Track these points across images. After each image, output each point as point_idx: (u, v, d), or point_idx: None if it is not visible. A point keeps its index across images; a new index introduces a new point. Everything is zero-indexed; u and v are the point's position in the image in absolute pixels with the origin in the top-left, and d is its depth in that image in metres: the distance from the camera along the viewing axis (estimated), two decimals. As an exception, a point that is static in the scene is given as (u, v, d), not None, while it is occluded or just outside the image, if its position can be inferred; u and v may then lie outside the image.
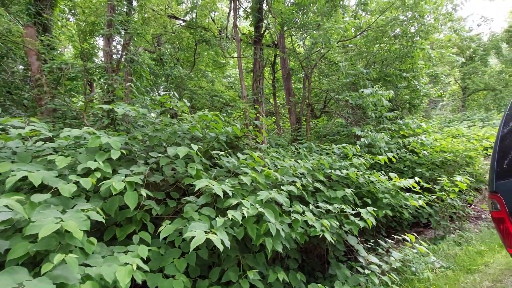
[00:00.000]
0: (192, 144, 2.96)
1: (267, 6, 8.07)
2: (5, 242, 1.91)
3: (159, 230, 2.52)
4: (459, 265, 4.06)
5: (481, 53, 20.24)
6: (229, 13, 9.16)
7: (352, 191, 3.97)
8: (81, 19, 9.04)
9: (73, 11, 9.90)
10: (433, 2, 8.21)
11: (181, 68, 8.99)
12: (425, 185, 5.23)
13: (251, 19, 8.88)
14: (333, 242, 3.29)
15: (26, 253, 1.87)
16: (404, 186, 4.48)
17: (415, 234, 4.04)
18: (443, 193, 5.25)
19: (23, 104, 7.23)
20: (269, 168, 3.53)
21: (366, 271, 3.33)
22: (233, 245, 2.78)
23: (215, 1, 9.15)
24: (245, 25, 13.07)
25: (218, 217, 2.49)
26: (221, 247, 2.16)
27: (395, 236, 4.13)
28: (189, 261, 2.52)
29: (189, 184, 3.03)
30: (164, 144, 3.53)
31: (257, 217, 2.82)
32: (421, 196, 4.90)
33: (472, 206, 6.57)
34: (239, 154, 3.57)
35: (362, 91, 6.42)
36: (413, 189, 4.96)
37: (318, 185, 3.88)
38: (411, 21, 7.95)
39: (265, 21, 8.48)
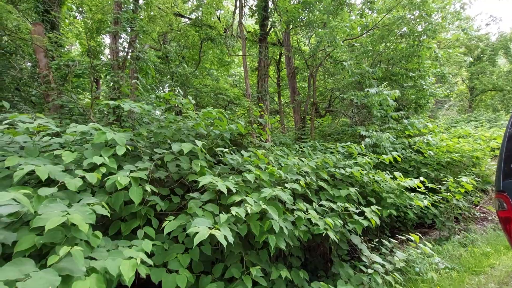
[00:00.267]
0: (196, 141, 2.97)
1: (272, 4, 8.05)
2: (12, 234, 1.94)
3: (163, 225, 2.54)
4: (464, 266, 4.02)
5: (490, 53, 19.93)
6: (234, 11, 9.16)
7: (356, 190, 3.95)
8: (88, 17, 9.12)
9: (80, 9, 10.00)
10: (440, 1, 8.10)
11: (186, 66, 9.02)
12: (430, 185, 5.17)
13: (256, 17, 8.87)
14: (337, 241, 3.28)
15: (32, 246, 1.90)
16: (409, 186, 4.45)
17: (419, 235, 4.00)
18: (449, 193, 5.20)
19: (31, 101, 7.34)
20: (273, 166, 3.52)
21: (369, 271, 3.31)
22: (236, 242, 2.79)
23: (220, -1, 9.18)
24: (251, 23, 13.07)
25: (222, 213, 2.49)
26: (224, 243, 2.17)
27: (399, 236, 4.10)
28: (193, 257, 2.54)
29: (193, 180, 3.05)
30: (169, 141, 3.55)
31: (260, 214, 2.82)
32: (426, 196, 4.86)
33: (478, 207, 6.48)
34: (243, 152, 3.58)
35: (368, 91, 6.38)
36: (418, 189, 4.92)
37: (322, 183, 3.87)
38: (418, 20, 7.86)
39: (270, 19, 8.46)
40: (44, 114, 4.47)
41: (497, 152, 6.43)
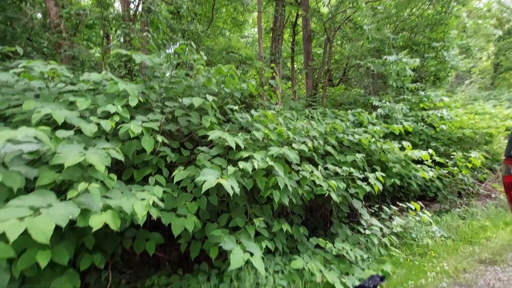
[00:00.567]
0: (207, 95, 2.98)
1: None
2: (34, 170, 2.07)
3: (173, 175, 2.66)
4: (460, 236, 4.14)
5: (522, 28, 18.39)
6: (251, -35, 8.53)
7: (363, 157, 3.98)
8: (97, -35, 8.66)
9: (89, -45, 9.47)
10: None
11: (198, 24, 8.69)
12: (437, 159, 5.16)
13: (274, -28, 8.27)
14: (338, 202, 3.38)
15: (52, 181, 2.03)
16: (416, 157, 4.45)
17: (420, 203, 4.09)
18: (455, 168, 5.19)
19: (42, 52, 7.31)
20: (281, 127, 3.54)
21: (367, 232, 3.46)
22: (241, 195, 2.92)
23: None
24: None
25: (230, 166, 2.58)
26: (231, 192, 2.27)
27: (400, 204, 4.20)
28: (200, 205, 2.69)
29: (202, 136, 3.12)
30: (179, 98, 3.57)
31: (266, 171, 2.91)
32: (433, 169, 4.87)
33: (483, 185, 6.49)
34: (252, 111, 3.59)
35: (386, 58, 6.10)
36: (424, 162, 4.93)
37: (329, 148, 3.90)
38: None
39: (289, -25, 7.88)
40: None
41: (513, 131, 6.28)
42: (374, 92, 7.74)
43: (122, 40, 5.48)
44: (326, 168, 3.68)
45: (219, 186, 2.83)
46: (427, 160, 4.86)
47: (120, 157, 2.29)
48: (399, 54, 6.30)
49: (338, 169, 3.59)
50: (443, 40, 7.85)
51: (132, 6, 5.82)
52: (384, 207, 4.25)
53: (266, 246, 2.74)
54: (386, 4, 8.46)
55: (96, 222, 1.90)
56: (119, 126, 2.59)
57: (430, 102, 6.80)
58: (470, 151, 5.76)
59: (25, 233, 1.84)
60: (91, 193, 1.98)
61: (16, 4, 6.96)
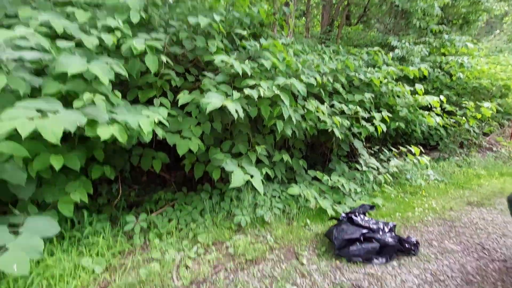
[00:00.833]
0: (215, 15, 2.77)
1: None
2: (38, 78, 2.05)
3: (177, 98, 2.64)
4: (453, 181, 4.29)
5: None
6: None
7: (372, 97, 3.88)
8: None
9: None
10: None
11: None
12: (448, 107, 5.04)
13: None
14: (341, 139, 3.42)
15: (58, 91, 2.03)
16: (426, 102, 4.33)
17: (421, 148, 4.14)
18: (463, 118, 5.11)
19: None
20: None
21: (364, 168, 3.58)
22: (245, 123, 2.95)
23: None
24: None
25: (235, 91, 2.54)
26: (235, 115, 2.28)
27: (400, 147, 4.26)
28: (204, 129, 2.74)
29: (207, 62, 3.00)
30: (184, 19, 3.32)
31: (271, 101, 2.87)
32: (441, 117, 4.79)
33: (488, 138, 6.47)
34: (262, 40, 3.38)
35: (414, -8, 5.47)
36: (433, 108, 4.82)
37: (337, 86, 3.78)
38: None
39: None
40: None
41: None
42: (394, 34, 7.17)
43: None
44: (332, 106, 3.63)
45: (223, 113, 2.84)
46: (436, 108, 4.75)
47: (124, 73, 2.25)
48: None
49: (344, 107, 3.54)
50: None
51: None
52: (384, 150, 4.32)
53: (266, 172, 2.87)
54: None
55: (104, 132, 1.95)
56: (121, 43, 2.48)
57: (452, 47, 6.33)
58: (482, 101, 5.59)
59: (35, 138, 1.92)
60: (97, 105, 2.00)
61: None
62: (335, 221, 2.60)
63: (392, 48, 5.85)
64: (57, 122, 1.65)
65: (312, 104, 3.19)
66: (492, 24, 15.63)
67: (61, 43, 2.16)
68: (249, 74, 2.71)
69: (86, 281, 1.84)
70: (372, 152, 4.34)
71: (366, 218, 2.40)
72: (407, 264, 2.12)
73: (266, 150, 2.99)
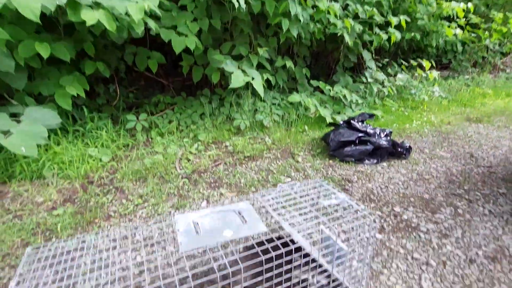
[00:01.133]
0: None
1: None
2: None
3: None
4: (457, 98, 4.21)
5: None
6: None
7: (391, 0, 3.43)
8: None
9: None
10: None
11: None
12: (473, 17, 4.53)
13: None
14: (350, 44, 3.17)
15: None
16: (451, 11, 3.86)
17: (432, 62, 3.91)
18: (486, 32, 4.66)
19: None
20: None
21: (369, 80, 3.45)
22: (247, 20, 2.68)
23: None
24: None
25: (235, -23, 2.20)
26: (236, 3, 2.03)
27: (411, 61, 4.02)
28: (202, 26, 2.50)
29: None
30: None
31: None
32: (462, 29, 4.36)
33: (506, 58, 6.08)
34: None
35: None
36: (456, 19, 4.35)
37: (354, -18, 3.29)
38: None
39: None
40: None
41: None
42: None
43: None
44: (346, 7, 3.24)
45: (222, 9, 2.54)
46: (459, 18, 4.27)
47: None
48: None
49: (359, 8, 3.16)
50: None
51: None
52: (393, 63, 4.09)
53: (268, 79, 2.77)
54: None
55: (88, 17, 1.77)
56: None
57: None
58: (513, 13, 5.00)
59: (15, 23, 1.75)
60: (78, -17, 1.74)
61: None
62: (333, 128, 2.64)
63: None
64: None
65: (324, 3, 2.83)
66: None
67: None
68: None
69: (95, 167, 1.97)
70: (380, 65, 4.12)
71: (364, 125, 2.43)
72: (396, 166, 2.25)
73: (268, 54, 2.81)
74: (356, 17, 3.30)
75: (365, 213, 0.98)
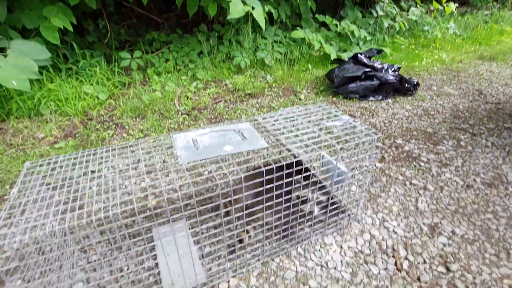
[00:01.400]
0: None
1: None
2: None
3: None
4: (472, 36, 3.94)
5: None
6: None
7: None
8: None
9: None
10: None
11: None
12: None
13: None
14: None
15: None
16: None
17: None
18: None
19: None
20: None
21: (380, 13, 3.18)
22: None
23: None
24: None
25: None
26: None
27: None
28: None
29: None
30: None
31: None
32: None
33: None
34: None
35: None
36: None
37: None
38: None
39: None
40: None
41: None
42: None
43: None
44: None
45: None
46: None
47: None
48: None
49: None
50: None
51: None
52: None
53: (270, 12, 2.54)
54: None
55: None
56: None
57: None
58: None
59: None
60: None
61: None
62: (338, 64, 2.51)
63: None
64: None
65: None
66: None
67: None
68: None
69: (93, 104, 1.93)
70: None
71: (372, 60, 2.29)
72: (402, 102, 2.19)
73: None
74: None
75: (369, 133, 0.96)
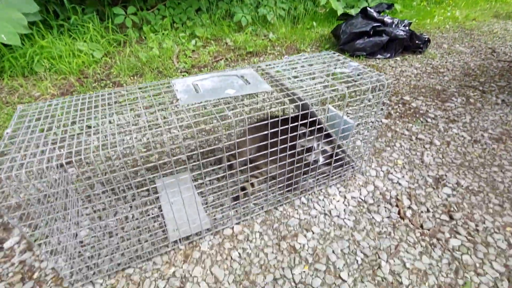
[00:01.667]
0: None
1: None
2: None
3: None
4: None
5: None
6: None
7: None
8: None
9: None
10: None
11: None
12: None
13: None
14: None
15: None
16: None
17: None
18: None
19: None
20: None
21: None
22: None
23: None
24: None
25: None
26: None
27: None
28: None
29: None
30: None
31: None
32: None
33: None
34: None
35: None
36: None
37: None
38: None
39: None
40: None
41: None
42: None
43: None
44: None
45: None
46: None
47: None
48: None
49: None
50: None
51: None
52: None
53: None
54: None
55: None
56: None
57: None
58: None
59: None
60: None
61: None
62: (344, 20, 2.36)
63: None
64: None
65: None
66: None
67: None
68: None
69: (88, 61, 1.85)
70: None
71: (381, 15, 2.15)
72: (411, 60, 2.09)
73: None
74: None
75: (379, 78, 0.91)
